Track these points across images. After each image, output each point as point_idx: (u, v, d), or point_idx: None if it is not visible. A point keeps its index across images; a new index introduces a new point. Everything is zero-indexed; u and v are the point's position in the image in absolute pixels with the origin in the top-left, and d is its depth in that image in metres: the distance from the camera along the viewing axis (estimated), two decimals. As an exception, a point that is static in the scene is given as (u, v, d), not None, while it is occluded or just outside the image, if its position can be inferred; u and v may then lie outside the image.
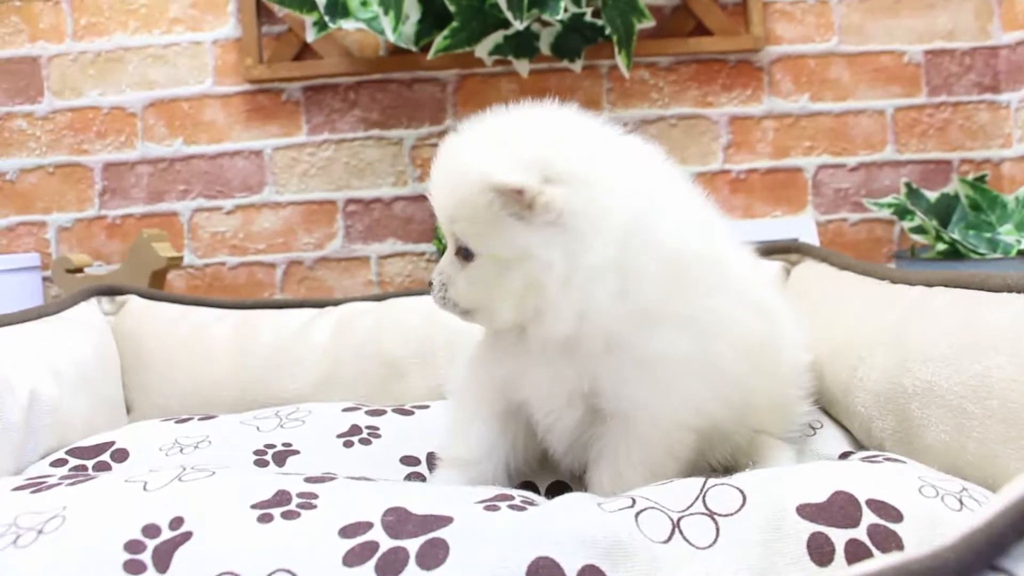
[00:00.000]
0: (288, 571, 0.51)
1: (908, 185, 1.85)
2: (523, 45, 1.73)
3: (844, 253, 1.15)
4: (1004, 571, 0.35)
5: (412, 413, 0.97)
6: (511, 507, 0.56)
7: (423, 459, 0.85)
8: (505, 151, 0.66)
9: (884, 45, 1.99)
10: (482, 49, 1.70)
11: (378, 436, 0.89)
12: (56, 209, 2.00)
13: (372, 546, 0.52)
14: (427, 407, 1.00)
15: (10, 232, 2.00)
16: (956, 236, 1.70)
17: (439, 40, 1.65)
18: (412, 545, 0.52)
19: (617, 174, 0.67)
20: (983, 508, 0.39)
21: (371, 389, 1.10)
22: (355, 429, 0.89)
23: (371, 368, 1.10)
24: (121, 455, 0.86)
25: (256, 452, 0.85)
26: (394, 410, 0.97)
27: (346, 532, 0.54)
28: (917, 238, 1.80)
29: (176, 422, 0.94)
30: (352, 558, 0.51)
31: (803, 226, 1.90)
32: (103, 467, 0.84)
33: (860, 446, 0.85)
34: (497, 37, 1.69)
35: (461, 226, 0.68)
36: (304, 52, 1.94)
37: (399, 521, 0.54)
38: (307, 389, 1.09)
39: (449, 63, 1.89)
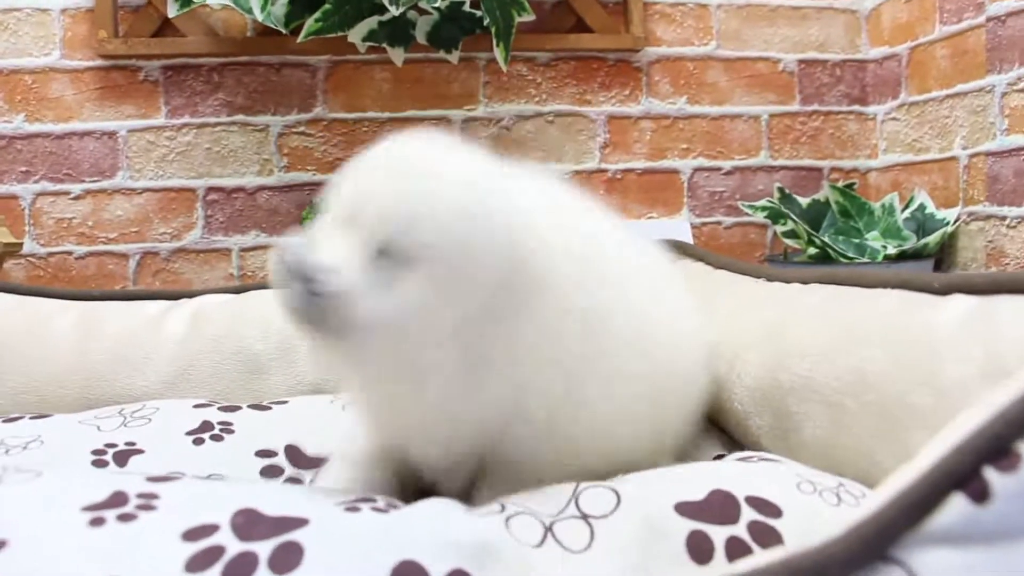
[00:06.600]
0: (121, 579, 0.45)
1: (781, 190, 1.88)
2: (398, 32, 1.67)
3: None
4: (896, 561, 0.35)
5: (270, 408, 0.92)
6: (374, 509, 0.52)
7: (281, 451, 0.80)
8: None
9: (760, 52, 2.02)
10: (355, 34, 1.63)
11: (231, 432, 0.84)
12: None
13: (218, 551, 0.46)
14: (286, 402, 0.95)
15: None
16: (827, 240, 1.74)
17: (310, 23, 1.58)
18: (263, 548, 0.47)
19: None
20: (870, 498, 0.38)
21: (228, 386, 1.03)
22: (206, 425, 0.84)
23: (229, 364, 1.04)
24: (-69, 457, 0.76)
25: (95, 452, 0.78)
26: (250, 406, 0.91)
27: (189, 536, 0.47)
28: (789, 242, 1.83)
29: (4, 421, 0.86)
30: (195, 564, 0.46)
31: (678, 228, 1.91)
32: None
33: (735, 446, 0.84)
34: (372, 22, 1.63)
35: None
36: (165, 28, 1.81)
37: (249, 523, 0.49)
38: (158, 386, 1.01)
39: (320, 48, 1.80)
